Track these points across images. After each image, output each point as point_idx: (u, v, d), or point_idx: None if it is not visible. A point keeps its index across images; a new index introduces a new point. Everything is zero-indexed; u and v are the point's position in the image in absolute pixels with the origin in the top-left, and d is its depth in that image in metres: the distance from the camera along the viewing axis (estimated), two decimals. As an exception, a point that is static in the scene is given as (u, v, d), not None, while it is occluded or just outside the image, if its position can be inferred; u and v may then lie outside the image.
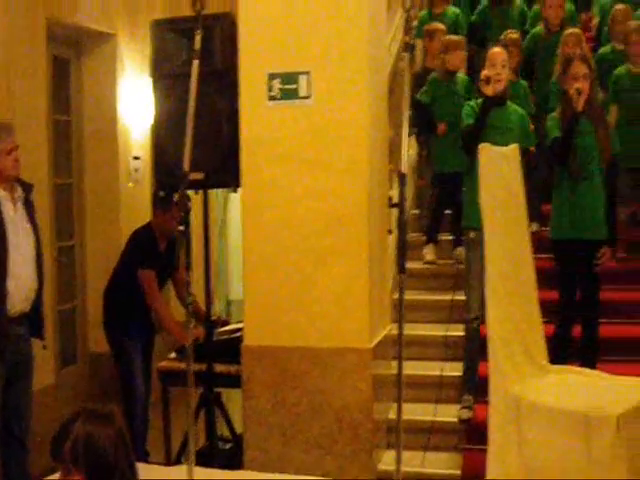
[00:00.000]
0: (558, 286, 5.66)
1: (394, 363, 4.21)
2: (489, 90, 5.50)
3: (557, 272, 5.68)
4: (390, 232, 3.61)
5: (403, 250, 3.46)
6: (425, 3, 8.68)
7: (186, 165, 3.96)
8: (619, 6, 7.66)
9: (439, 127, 7.17)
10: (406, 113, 3.73)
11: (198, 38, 4.20)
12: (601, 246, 5.55)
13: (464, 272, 5.82)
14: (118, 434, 2.64)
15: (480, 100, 5.65)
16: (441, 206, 7.36)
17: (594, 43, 8.49)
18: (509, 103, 5.77)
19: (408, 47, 3.87)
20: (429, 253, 7.23)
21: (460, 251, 7.08)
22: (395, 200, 3.52)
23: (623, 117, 7.06)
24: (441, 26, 7.67)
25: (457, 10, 8.20)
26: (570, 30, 7.17)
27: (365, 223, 5.19)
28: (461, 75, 7.24)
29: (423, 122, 7.41)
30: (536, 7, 8.07)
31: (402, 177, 3.45)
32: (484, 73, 5.55)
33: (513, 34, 7.14)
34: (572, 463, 4.06)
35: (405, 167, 3.51)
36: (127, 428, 2.75)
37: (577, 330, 5.73)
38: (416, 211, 7.87)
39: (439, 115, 7.20)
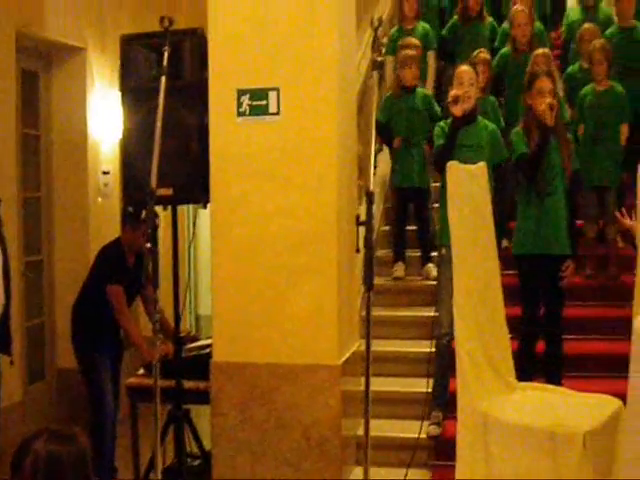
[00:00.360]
0: (521, 302, 5.67)
1: (363, 379, 4.22)
2: (458, 110, 5.51)
3: (520, 288, 5.69)
4: (358, 251, 3.60)
5: (370, 268, 3.47)
6: (396, 20, 8.71)
7: (153, 181, 3.95)
8: (587, 25, 7.72)
9: (394, 142, 7.21)
10: (373, 131, 3.75)
11: (166, 55, 4.19)
12: (564, 261, 5.57)
13: (435, 288, 5.82)
14: (79, 455, 2.63)
15: (450, 120, 5.68)
16: (401, 222, 7.37)
17: (562, 61, 8.58)
18: (479, 119, 5.79)
19: (376, 65, 3.89)
20: (398, 269, 7.24)
21: (429, 267, 7.11)
22: (363, 218, 3.53)
23: (589, 135, 7.13)
24: (416, 41, 7.70)
25: (427, 26, 8.24)
26: (540, 50, 7.21)
27: (334, 240, 5.19)
28: (420, 90, 7.26)
29: (384, 139, 7.45)
30: (505, 25, 8.12)
31: (369, 195, 3.46)
32: (452, 93, 5.56)
33: (483, 53, 7.18)
34: (539, 480, 4.07)
35: (372, 185, 3.52)
36: (94, 446, 2.74)
37: (543, 346, 5.76)
38: (387, 227, 7.88)
39: (396, 131, 7.24)
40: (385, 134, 7.26)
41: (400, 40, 7.88)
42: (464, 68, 5.70)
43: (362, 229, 3.62)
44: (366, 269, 3.49)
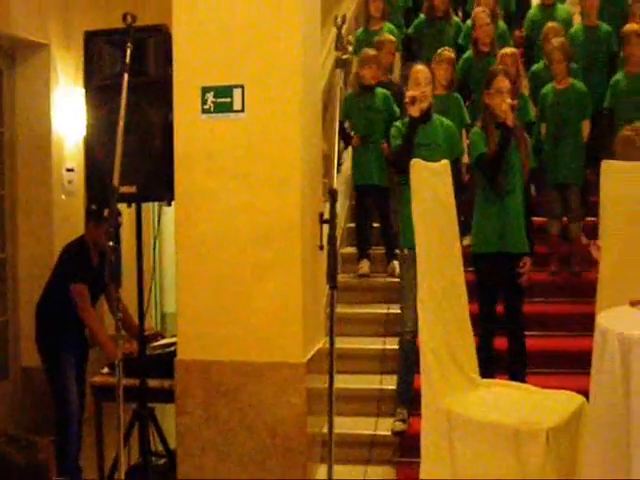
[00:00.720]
0: (478, 299, 5.69)
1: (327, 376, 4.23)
2: (415, 111, 5.52)
3: (477, 285, 5.71)
4: (321, 248, 3.60)
5: (334, 266, 3.47)
6: (362, 19, 8.72)
7: (115, 180, 3.93)
8: (550, 24, 7.77)
9: (353, 140, 7.22)
10: (336, 128, 3.75)
11: (128, 52, 4.16)
12: (521, 257, 5.60)
13: (399, 286, 5.84)
14: (35, 466, 2.59)
15: (406, 120, 5.68)
16: (363, 219, 7.39)
17: (526, 59, 8.63)
18: (435, 117, 5.80)
19: (340, 63, 3.89)
20: (363, 267, 7.26)
21: (393, 265, 7.13)
22: (327, 216, 3.53)
23: (551, 134, 7.17)
24: (390, 37, 7.70)
25: (392, 27, 8.26)
26: (507, 50, 7.24)
27: (298, 237, 5.19)
28: (380, 90, 7.26)
29: (341, 137, 7.48)
30: (469, 23, 8.14)
31: (332, 193, 3.46)
32: (409, 94, 5.56)
33: (447, 51, 7.19)
34: (503, 477, 4.09)
35: (335, 183, 3.52)
36: (58, 446, 2.72)
37: (506, 343, 5.78)
38: (352, 224, 7.89)
39: (355, 129, 7.25)
40: (342, 132, 7.28)
41: (376, 37, 7.89)
42: (419, 68, 5.70)
43: (326, 226, 3.64)
44: (329, 267, 3.50)
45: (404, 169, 5.33)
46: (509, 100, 5.41)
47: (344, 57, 3.84)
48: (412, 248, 5.08)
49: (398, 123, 5.78)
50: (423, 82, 5.59)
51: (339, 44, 3.86)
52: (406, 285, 5.58)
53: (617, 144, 5.30)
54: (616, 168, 4.60)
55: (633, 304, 3.65)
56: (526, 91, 7.34)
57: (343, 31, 3.86)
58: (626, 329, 3.22)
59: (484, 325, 5.65)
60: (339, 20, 3.83)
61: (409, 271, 5.45)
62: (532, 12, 8.51)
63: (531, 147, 5.79)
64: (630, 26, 7.41)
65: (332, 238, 3.42)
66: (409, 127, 5.56)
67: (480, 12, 7.67)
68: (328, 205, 3.61)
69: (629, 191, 4.48)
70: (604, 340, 3.34)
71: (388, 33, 8.08)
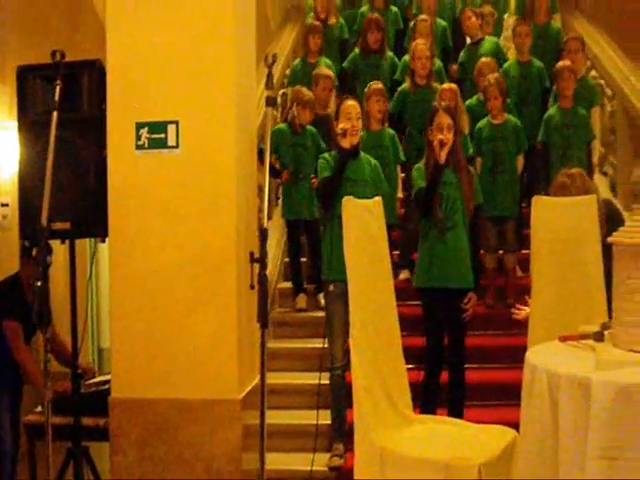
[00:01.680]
0: (424, 333, 5.71)
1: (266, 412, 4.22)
2: (346, 143, 5.55)
3: (423, 319, 5.73)
4: (252, 287, 3.59)
5: (264, 306, 3.46)
6: (300, 52, 8.76)
7: (44, 218, 3.90)
8: (484, 59, 7.87)
9: (283, 175, 7.25)
10: (267, 165, 3.76)
11: (58, 90, 4.14)
12: (466, 294, 5.63)
13: (326, 322, 5.82)
14: None
15: (334, 153, 5.69)
16: (295, 255, 7.40)
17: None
18: (362, 154, 5.82)
19: (270, 101, 3.90)
20: (300, 301, 7.25)
21: (319, 298, 7.14)
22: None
23: (486, 167, 7.25)
24: (327, 72, 7.72)
25: (329, 61, 8.29)
26: (446, 85, 7.31)
27: (233, 274, 5.19)
28: (310, 128, 7.28)
29: (270, 172, 7.47)
30: (406, 58, 8.20)
31: (263, 232, 3.46)
32: (341, 126, 5.60)
33: (377, 84, 7.22)
34: (437, 512, 4.09)
35: (265, 221, 3.52)
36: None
37: (446, 376, 5.80)
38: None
39: (283, 164, 7.28)
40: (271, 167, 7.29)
41: (313, 69, 7.92)
42: (350, 102, 5.72)
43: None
44: (260, 307, 3.49)
45: (330, 202, 5.36)
46: (440, 136, 5.45)
47: (280, 92, 3.85)
48: (338, 282, 5.11)
49: (327, 155, 5.78)
50: (354, 117, 5.62)
51: (269, 83, 3.88)
52: (333, 320, 5.58)
53: (553, 189, 5.37)
54: (547, 204, 4.65)
55: (563, 340, 3.68)
56: (467, 126, 7.40)
57: (273, 69, 3.88)
58: (554, 366, 3.24)
59: (432, 360, 5.65)
60: (270, 59, 3.86)
61: (335, 305, 5.46)
62: (461, 54, 8.64)
63: (477, 183, 5.82)
64: (562, 62, 7.52)
65: (262, 277, 3.42)
66: (340, 159, 5.58)
67: (420, 44, 7.71)
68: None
69: (559, 227, 4.54)
70: (533, 377, 3.36)
71: (325, 67, 8.11)
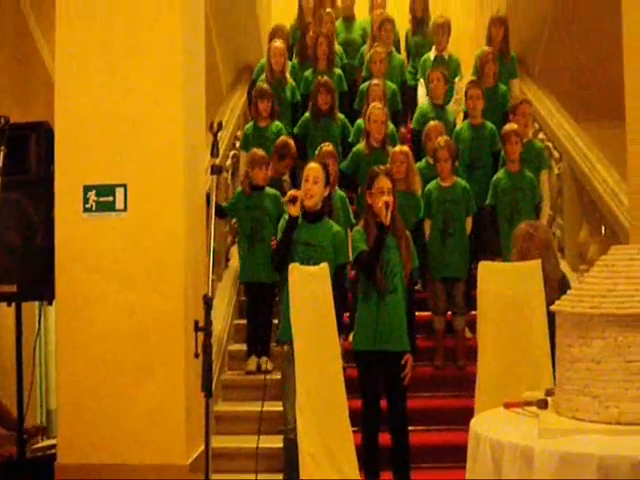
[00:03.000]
0: (361, 396, 5.69)
1: (214, 477, 4.18)
2: (293, 210, 5.53)
3: (359, 382, 5.71)
4: (197, 356, 3.57)
5: (208, 376, 3.44)
6: (250, 115, 8.80)
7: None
8: (432, 123, 7.94)
9: (238, 238, 7.25)
10: (211, 233, 3.75)
11: (1, 155, 4.13)
12: (403, 356, 5.63)
13: (280, 382, 5.78)
14: None
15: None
16: (252, 317, 7.37)
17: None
18: (326, 219, 5.81)
19: (215, 169, 3.91)
20: (251, 363, 7.20)
21: (263, 360, 7.12)
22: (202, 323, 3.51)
23: (436, 229, 7.29)
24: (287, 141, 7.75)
25: (280, 125, 8.33)
26: (398, 148, 7.34)
27: (181, 340, 5.16)
28: (270, 190, 7.30)
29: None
30: (359, 121, 8.27)
31: (207, 301, 3.45)
32: (290, 193, 5.60)
33: (328, 146, 7.26)
34: None
35: (209, 290, 3.51)
36: None
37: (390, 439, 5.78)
38: (239, 321, 7.84)
39: (240, 227, 7.30)
40: (231, 228, 7.30)
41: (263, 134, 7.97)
42: (312, 165, 5.74)
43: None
44: (204, 376, 3.47)
45: (281, 265, 5.36)
46: (385, 197, 5.48)
47: (221, 165, 3.87)
48: (290, 343, 5.09)
49: (286, 215, 5.79)
50: (312, 180, 5.62)
51: (215, 151, 3.89)
52: (287, 381, 5.55)
53: (517, 241, 5.42)
54: (493, 269, 4.70)
55: (507, 407, 3.69)
56: (419, 188, 7.45)
57: (218, 137, 3.90)
58: (497, 434, 3.25)
59: (367, 422, 5.63)
60: (215, 126, 3.87)
61: (289, 367, 5.42)
62: (424, 107, 8.67)
63: (413, 246, 5.85)
64: (510, 126, 7.62)
65: (207, 347, 3.40)
66: (286, 226, 5.58)
67: (377, 107, 7.77)
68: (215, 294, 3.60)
69: (505, 292, 4.58)
70: (477, 444, 3.37)
71: (275, 131, 8.14)
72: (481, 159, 8.09)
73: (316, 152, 7.19)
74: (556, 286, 5.03)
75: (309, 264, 5.16)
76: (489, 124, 8.19)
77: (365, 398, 5.64)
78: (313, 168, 5.68)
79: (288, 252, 5.46)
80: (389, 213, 5.45)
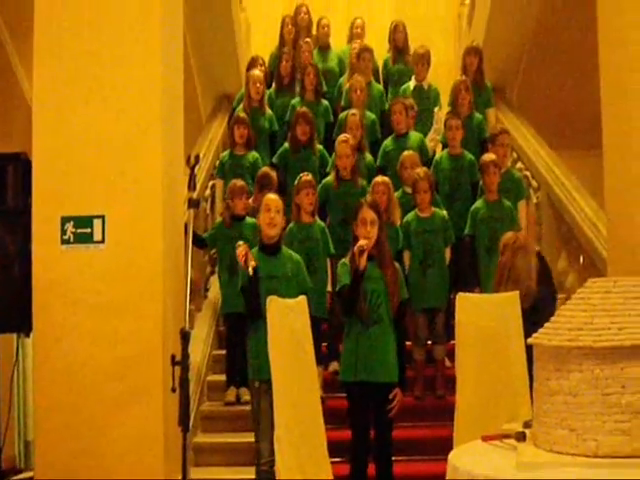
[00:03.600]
0: (350, 426, 5.67)
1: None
2: (249, 271, 5.49)
3: (348, 412, 5.69)
4: (174, 390, 3.55)
5: (186, 409, 3.43)
6: (228, 143, 8.79)
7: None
8: (406, 153, 7.93)
9: (218, 269, 7.24)
10: (189, 265, 3.74)
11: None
12: (392, 388, 5.62)
13: (253, 417, 5.75)
14: None
15: (255, 250, 5.66)
16: (231, 347, 7.34)
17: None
18: (284, 249, 5.80)
19: (192, 203, 3.91)
20: (230, 394, 7.16)
21: (243, 391, 7.08)
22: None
23: (415, 260, 7.29)
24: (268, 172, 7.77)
25: (257, 155, 8.32)
26: (379, 179, 7.34)
27: (159, 368, 5.13)
28: (251, 219, 7.29)
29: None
30: (335, 152, 8.28)
31: (184, 335, 3.44)
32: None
33: (307, 176, 7.25)
34: None
35: (187, 324, 3.50)
36: None
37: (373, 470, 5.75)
38: (218, 351, 7.81)
39: (220, 258, 7.29)
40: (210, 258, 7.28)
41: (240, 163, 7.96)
42: (271, 196, 5.75)
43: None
44: (181, 410, 3.45)
45: (251, 302, 5.35)
46: (361, 242, 5.46)
47: (198, 198, 3.86)
48: (263, 380, 5.07)
49: (254, 250, 5.76)
50: (273, 209, 5.63)
51: (191, 184, 3.89)
52: (260, 416, 5.52)
53: (513, 255, 5.48)
54: (471, 301, 4.71)
55: (485, 440, 3.68)
56: (399, 219, 7.45)
57: (196, 170, 3.90)
58: (475, 468, 3.24)
59: (358, 453, 5.60)
60: (192, 160, 3.87)
61: (261, 402, 5.40)
62: (386, 143, 8.68)
63: (402, 279, 5.84)
64: (488, 156, 7.64)
65: (184, 381, 3.38)
66: (249, 282, 5.50)
67: (341, 142, 7.77)
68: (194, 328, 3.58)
69: (484, 323, 4.59)
70: (455, 477, 3.36)
71: (252, 161, 8.13)
72: (461, 189, 8.08)
73: (296, 182, 7.18)
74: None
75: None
76: (468, 154, 8.21)
77: (354, 430, 5.61)
78: (273, 199, 5.70)
79: (259, 285, 5.44)
80: (363, 257, 5.44)
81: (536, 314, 5.24)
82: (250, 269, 5.39)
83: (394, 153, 8.29)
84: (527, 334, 3.87)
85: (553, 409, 3.25)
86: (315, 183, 7.34)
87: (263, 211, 5.63)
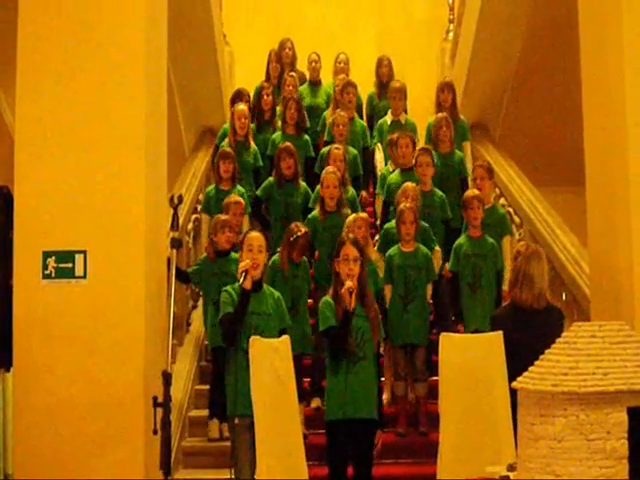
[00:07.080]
0: (328, 463, 5.62)
1: None
2: (247, 283, 5.49)
3: (327, 449, 5.64)
4: (155, 432, 3.51)
5: (167, 452, 3.39)
6: (213, 178, 8.78)
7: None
8: (409, 184, 7.91)
9: (203, 306, 7.23)
10: (171, 303, 3.72)
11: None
12: (373, 424, 5.58)
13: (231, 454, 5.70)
14: None
15: (236, 285, 5.61)
16: (217, 381, 7.28)
17: (377, 219, 8.84)
18: (265, 287, 5.79)
19: (174, 243, 3.88)
20: (213, 430, 7.11)
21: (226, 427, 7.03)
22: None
23: (396, 295, 7.26)
24: (236, 198, 7.75)
25: (242, 190, 8.30)
26: (359, 214, 7.34)
27: (141, 408, 5.07)
28: (235, 254, 7.26)
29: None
30: (319, 186, 8.27)
31: (166, 377, 3.41)
32: (241, 265, 5.55)
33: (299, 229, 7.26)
34: None
35: (169, 366, 3.47)
36: None
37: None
38: (200, 386, 7.76)
39: (206, 294, 7.27)
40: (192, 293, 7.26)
41: (225, 198, 7.95)
42: (254, 234, 5.72)
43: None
44: (162, 452, 3.41)
45: (233, 338, 5.31)
46: (348, 283, 5.46)
47: (180, 238, 3.84)
48: (243, 416, 5.03)
49: (229, 288, 5.68)
50: (256, 249, 5.60)
51: (174, 224, 3.86)
52: (239, 452, 5.46)
53: (527, 261, 5.54)
54: (454, 341, 4.71)
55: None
56: (374, 256, 7.44)
57: (178, 211, 3.89)
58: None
59: None
60: (175, 200, 3.85)
61: (241, 438, 5.34)
62: (392, 177, 8.66)
63: (380, 319, 5.83)
64: (471, 191, 7.65)
65: (165, 423, 3.35)
66: (241, 299, 5.50)
67: (329, 173, 7.78)
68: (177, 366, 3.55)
69: (467, 364, 4.58)
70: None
71: (237, 194, 8.11)
72: (432, 226, 8.06)
73: (290, 238, 7.14)
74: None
75: (256, 333, 5.17)
76: (438, 191, 8.21)
77: (332, 469, 5.57)
78: (256, 237, 5.67)
79: (241, 324, 5.41)
80: (353, 299, 5.45)
81: (550, 315, 5.57)
82: (248, 282, 5.39)
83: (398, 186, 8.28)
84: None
85: (537, 454, 3.24)
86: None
87: (245, 250, 5.60)
